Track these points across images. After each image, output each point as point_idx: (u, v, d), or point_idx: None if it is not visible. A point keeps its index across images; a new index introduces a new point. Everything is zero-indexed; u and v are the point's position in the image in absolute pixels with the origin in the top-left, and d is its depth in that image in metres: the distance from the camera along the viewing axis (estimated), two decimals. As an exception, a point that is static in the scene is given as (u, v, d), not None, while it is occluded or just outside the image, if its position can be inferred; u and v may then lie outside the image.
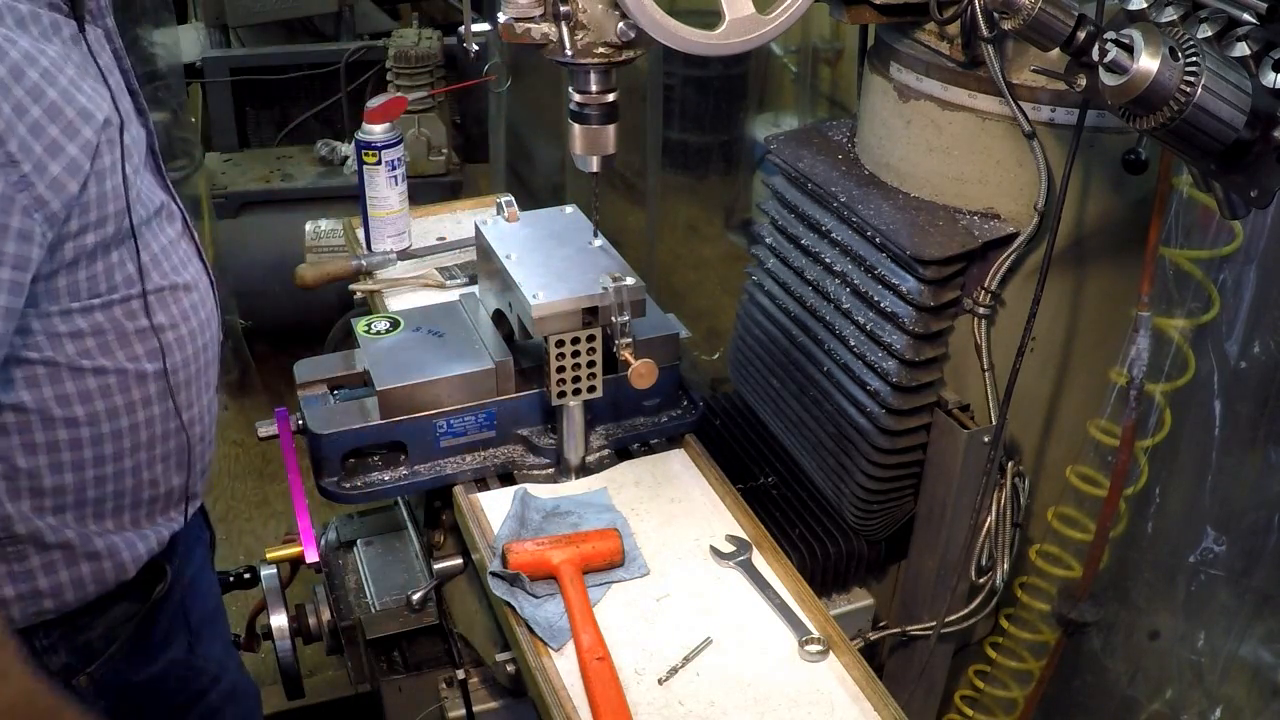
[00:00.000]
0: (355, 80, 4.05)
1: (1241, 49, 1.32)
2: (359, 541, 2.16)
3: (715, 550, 1.63)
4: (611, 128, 1.53)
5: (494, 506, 1.71)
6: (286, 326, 3.29)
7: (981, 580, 1.90)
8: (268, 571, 1.96)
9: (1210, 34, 1.34)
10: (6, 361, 1.25)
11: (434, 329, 1.83)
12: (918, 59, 1.79)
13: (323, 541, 2.17)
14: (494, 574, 1.55)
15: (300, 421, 1.73)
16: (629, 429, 1.82)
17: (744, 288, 2.25)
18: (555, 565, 1.55)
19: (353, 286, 2.18)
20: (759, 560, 1.63)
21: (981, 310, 1.80)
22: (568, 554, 1.56)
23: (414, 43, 3.76)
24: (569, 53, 1.42)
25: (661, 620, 1.53)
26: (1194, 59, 1.29)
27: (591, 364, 1.67)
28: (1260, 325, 1.69)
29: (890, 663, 2.15)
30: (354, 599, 2.05)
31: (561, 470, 1.77)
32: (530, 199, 3.99)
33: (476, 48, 1.61)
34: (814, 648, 1.48)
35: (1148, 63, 1.29)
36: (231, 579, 2.00)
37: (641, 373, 1.58)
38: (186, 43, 4.02)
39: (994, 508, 1.85)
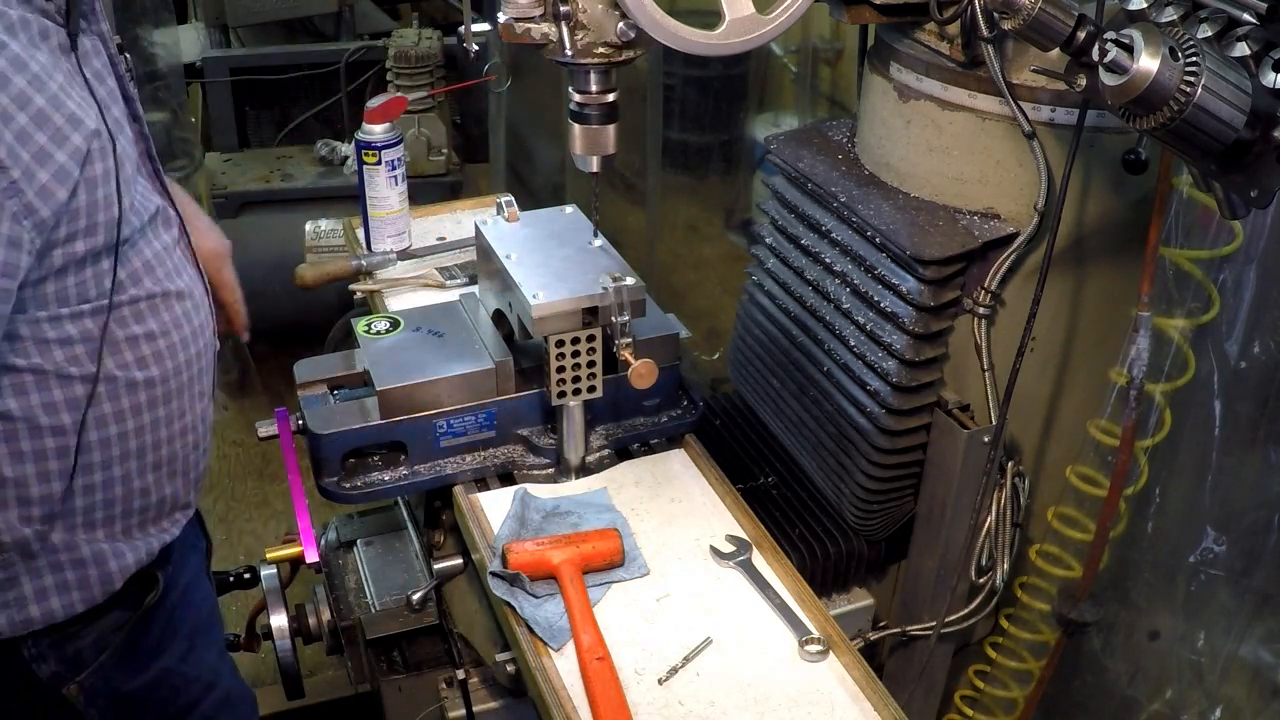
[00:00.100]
0: (355, 80, 4.05)
1: (1241, 49, 1.32)
2: (359, 541, 2.16)
3: (715, 550, 1.63)
4: (611, 128, 1.53)
5: (494, 506, 1.71)
6: (286, 326, 3.29)
7: (981, 580, 1.90)
8: (268, 571, 1.95)
9: (1210, 34, 1.34)
10: None
11: (434, 329, 1.83)
12: (918, 59, 1.79)
13: (323, 541, 2.17)
14: (494, 574, 1.55)
15: (300, 421, 1.73)
16: (629, 429, 1.82)
17: (744, 288, 2.25)
18: (555, 565, 1.55)
19: (353, 286, 2.18)
20: (759, 560, 1.63)
21: (981, 310, 1.80)
22: (568, 554, 1.56)
23: (414, 43, 3.76)
24: (569, 53, 1.42)
25: (661, 620, 1.53)
26: (1194, 59, 1.29)
27: (591, 364, 1.67)
28: (1260, 325, 1.69)
29: (890, 663, 2.15)
30: (354, 599, 2.05)
31: (561, 470, 1.77)
32: (530, 199, 3.99)
33: (476, 48, 1.61)
34: (814, 648, 1.48)
35: (1148, 63, 1.29)
36: (231, 579, 2.00)
37: (641, 373, 1.58)
38: (186, 43, 4.02)
39: (994, 508, 1.85)
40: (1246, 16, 1.32)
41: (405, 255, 2.23)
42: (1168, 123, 1.31)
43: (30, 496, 1.32)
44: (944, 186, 1.83)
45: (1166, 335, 1.71)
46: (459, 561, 1.86)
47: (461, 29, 1.67)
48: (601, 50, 1.43)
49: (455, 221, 2.39)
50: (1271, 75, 1.30)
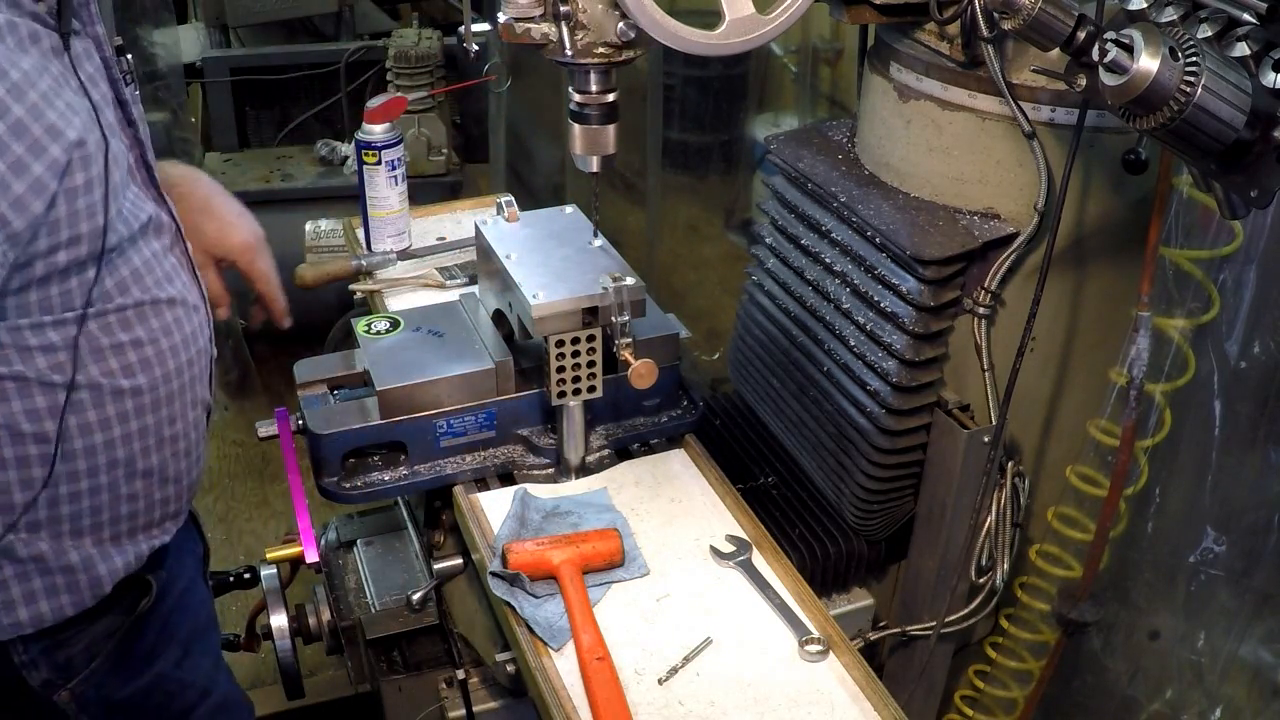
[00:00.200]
0: (355, 80, 4.05)
1: (1241, 49, 1.32)
2: (359, 541, 2.16)
3: (715, 550, 1.63)
4: (611, 128, 1.53)
5: (494, 506, 1.71)
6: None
7: (981, 580, 1.90)
8: (268, 571, 1.95)
9: (1210, 34, 1.34)
10: None
11: (434, 329, 1.83)
12: (918, 59, 1.79)
13: (323, 541, 2.17)
14: (494, 574, 1.55)
15: (300, 421, 1.73)
16: (629, 429, 1.82)
17: (744, 288, 2.25)
18: (555, 565, 1.55)
19: (353, 286, 2.18)
20: (759, 560, 1.63)
21: (981, 310, 1.80)
22: (568, 554, 1.56)
23: (414, 43, 3.76)
24: (569, 53, 1.42)
25: (661, 620, 1.53)
26: (1194, 59, 1.29)
27: (591, 364, 1.67)
28: (1260, 325, 1.69)
29: (890, 663, 2.15)
30: (354, 599, 2.05)
31: (561, 470, 1.77)
32: (530, 199, 3.99)
33: (476, 48, 1.61)
34: (814, 648, 1.48)
35: (1148, 63, 1.29)
36: (231, 579, 2.00)
37: (641, 373, 1.58)
38: (186, 43, 4.02)
39: (994, 508, 1.85)
40: (1246, 16, 1.32)
41: (405, 255, 2.23)
42: (1168, 123, 1.31)
43: (14, 503, 1.31)
44: (944, 186, 1.83)
45: (1166, 335, 1.71)
46: (459, 561, 1.86)
47: (461, 29, 1.67)
48: (601, 50, 1.43)
49: (455, 221, 2.39)
50: (1271, 75, 1.30)
